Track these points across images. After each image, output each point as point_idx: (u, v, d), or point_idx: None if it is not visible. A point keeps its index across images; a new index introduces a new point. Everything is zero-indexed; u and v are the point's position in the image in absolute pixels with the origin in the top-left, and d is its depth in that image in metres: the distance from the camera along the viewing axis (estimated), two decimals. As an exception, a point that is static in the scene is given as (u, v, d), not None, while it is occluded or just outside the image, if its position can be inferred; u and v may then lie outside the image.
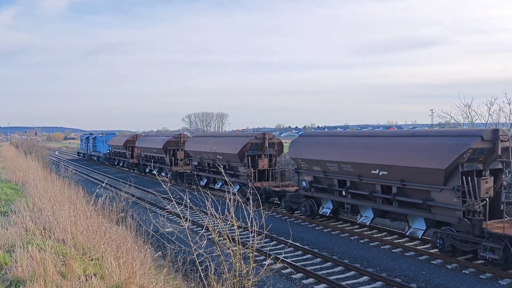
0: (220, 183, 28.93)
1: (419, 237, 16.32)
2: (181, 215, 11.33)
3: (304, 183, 20.81)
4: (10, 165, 29.52)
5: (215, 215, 11.14)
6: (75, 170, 27.89)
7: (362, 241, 17.10)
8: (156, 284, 9.24)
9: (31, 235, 10.10)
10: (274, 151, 25.62)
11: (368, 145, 17.49)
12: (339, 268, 14.02)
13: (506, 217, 13.71)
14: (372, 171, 16.78)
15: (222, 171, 13.70)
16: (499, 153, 13.95)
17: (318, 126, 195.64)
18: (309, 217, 20.60)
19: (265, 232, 11.47)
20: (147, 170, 42.35)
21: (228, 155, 26.15)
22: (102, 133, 67.90)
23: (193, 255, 10.86)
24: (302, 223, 20.43)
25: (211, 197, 11.43)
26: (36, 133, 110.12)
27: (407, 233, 16.57)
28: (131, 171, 46.70)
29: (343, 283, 12.55)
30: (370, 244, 16.65)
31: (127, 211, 15.90)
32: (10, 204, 14.75)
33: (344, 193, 18.56)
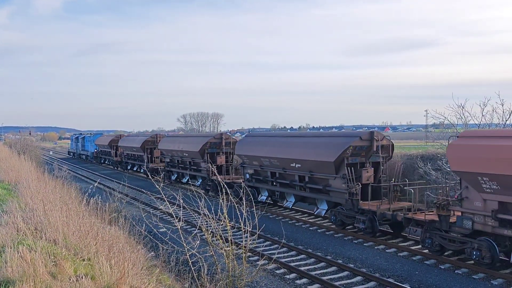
0: (187, 177, 32.32)
1: (322, 215, 20.32)
2: (174, 215, 11.29)
3: (247, 175, 24.55)
4: (3, 165, 29.30)
5: (208, 215, 11.12)
6: (63, 167, 28.23)
7: (356, 241, 17.10)
8: (148, 284, 9.18)
9: (22, 235, 10.01)
10: (230, 149, 28.95)
11: (288, 143, 21.81)
12: (333, 268, 14.01)
13: (384, 198, 17.64)
14: (291, 164, 20.70)
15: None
16: (375, 149, 18.01)
17: (313, 127, 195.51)
18: (250, 203, 23.40)
19: (258, 232, 11.47)
20: (129, 167, 45.33)
21: (192, 152, 29.75)
22: (90, 133, 71.13)
23: (186, 255, 10.84)
24: (297, 224, 20.42)
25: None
26: (30, 133, 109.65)
27: (315, 213, 20.64)
28: (115, 168, 49.79)
29: (337, 283, 12.54)
30: (364, 244, 16.66)
31: (120, 211, 15.85)
32: (2, 205, 14.63)
33: (274, 183, 22.49)
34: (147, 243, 13.96)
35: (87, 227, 11.18)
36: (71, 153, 78.46)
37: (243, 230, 11.20)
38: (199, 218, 11.89)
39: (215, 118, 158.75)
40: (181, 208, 12.05)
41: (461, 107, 21.95)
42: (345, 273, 13.52)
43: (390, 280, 12.67)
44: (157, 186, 11.67)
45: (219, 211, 11.33)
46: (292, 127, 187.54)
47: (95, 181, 33.42)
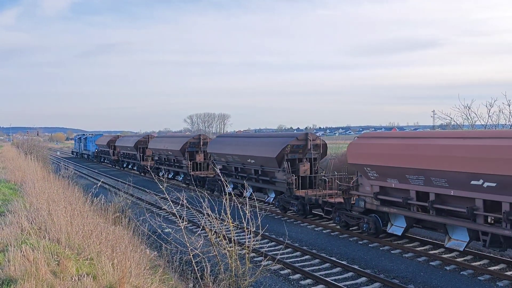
0: (172, 174, 36.22)
1: (271, 202, 23.68)
2: (177, 214, 11.29)
3: (217, 171, 25.81)
4: (10, 165, 29.53)
5: (211, 215, 11.11)
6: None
7: (361, 242, 17.03)
8: (151, 284, 9.18)
9: (26, 235, 10.05)
10: (207, 148, 31.94)
11: (246, 143, 25.72)
12: (337, 269, 13.95)
13: (318, 188, 21.29)
14: (248, 160, 24.49)
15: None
16: (309, 147, 21.99)
17: (320, 127, 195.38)
18: (219, 194, 27.00)
19: (262, 232, 11.44)
20: (124, 165, 49.57)
21: (174, 151, 33.55)
22: (92, 134, 76.12)
23: (190, 255, 10.82)
24: (302, 224, 20.38)
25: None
26: (38, 133, 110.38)
27: (266, 200, 24.21)
28: (113, 166, 54.12)
29: (341, 284, 12.47)
30: (369, 245, 16.58)
31: (124, 211, 15.89)
32: (7, 204, 14.73)
33: (237, 176, 25.88)
34: (151, 243, 13.98)
35: (91, 227, 11.21)
36: (75, 153, 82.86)
37: (246, 231, 11.17)
38: (201, 217, 11.88)
39: (222, 118, 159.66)
40: (185, 208, 12.04)
41: (467, 107, 21.81)
42: (350, 274, 13.46)
43: (395, 281, 12.59)
44: (161, 187, 11.68)
45: (222, 211, 11.31)
46: (298, 128, 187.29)
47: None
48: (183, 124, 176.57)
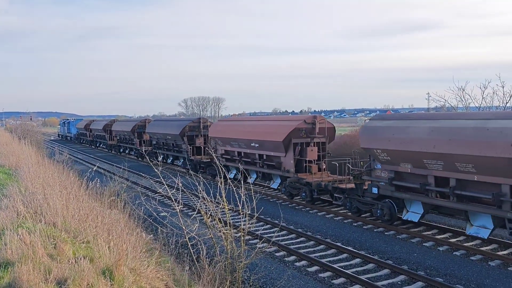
0: (128, 150, 47.32)
1: (180, 165, 33.97)
2: (173, 198, 11.32)
3: (153, 145, 39.11)
4: (3, 150, 29.35)
5: (206, 198, 11.15)
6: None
7: (355, 224, 17.20)
8: (148, 266, 9.24)
9: (22, 218, 10.06)
10: (146, 129, 42.44)
11: (165, 125, 36.54)
12: (332, 250, 14.11)
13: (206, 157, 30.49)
14: (167, 137, 34.77)
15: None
16: (202, 127, 31.43)
17: (315, 110, 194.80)
18: (156, 162, 35.39)
19: (256, 215, 11.50)
20: (97, 145, 60.75)
21: (128, 132, 44.03)
22: (73, 119, 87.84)
23: (185, 238, 10.88)
24: (297, 207, 20.53)
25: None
26: (31, 118, 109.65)
27: (179, 164, 34.54)
28: (90, 146, 64.21)
29: (335, 265, 12.63)
30: (364, 227, 16.75)
31: (119, 194, 15.90)
32: (2, 189, 14.69)
33: (162, 148, 36.28)
34: (147, 226, 14.02)
35: (87, 211, 11.23)
36: (60, 135, 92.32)
37: (241, 213, 11.23)
38: (197, 200, 11.92)
39: (216, 102, 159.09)
40: (177, 190, 12.07)
41: (461, 89, 21.84)
42: (344, 255, 13.62)
43: (389, 262, 12.76)
44: (156, 170, 11.68)
45: (217, 194, 11.35)
46: (293, 111, 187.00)
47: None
48: (177, 108, 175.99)
